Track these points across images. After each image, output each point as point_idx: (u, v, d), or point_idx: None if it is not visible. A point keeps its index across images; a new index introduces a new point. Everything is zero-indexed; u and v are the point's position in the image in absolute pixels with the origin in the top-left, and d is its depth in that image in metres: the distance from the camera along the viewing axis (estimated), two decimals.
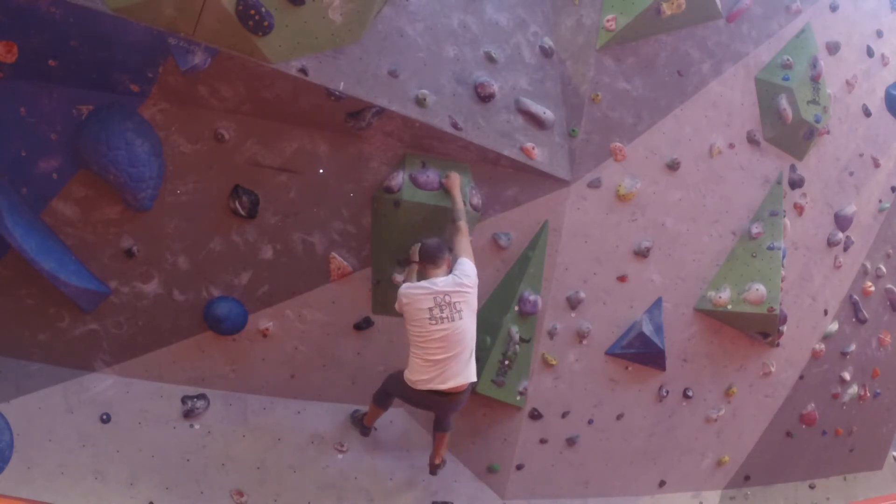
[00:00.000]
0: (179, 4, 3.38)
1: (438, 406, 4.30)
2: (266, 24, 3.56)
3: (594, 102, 4.89)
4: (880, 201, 6.89)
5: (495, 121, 4.55)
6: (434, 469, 4.66)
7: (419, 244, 4.22)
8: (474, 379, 4.18)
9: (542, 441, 5.29)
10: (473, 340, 4.11)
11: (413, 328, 4.03)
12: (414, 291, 4.01)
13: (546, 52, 4.81)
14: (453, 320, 3.96)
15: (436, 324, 3.95)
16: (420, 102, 4.21)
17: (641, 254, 5.31)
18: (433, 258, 4.11)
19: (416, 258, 4.23)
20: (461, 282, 4.02)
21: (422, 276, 4.17)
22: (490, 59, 4.55)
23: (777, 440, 6.76)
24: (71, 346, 4.15)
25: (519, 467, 5.22)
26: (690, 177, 5.44)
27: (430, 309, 3.95)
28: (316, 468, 4.63)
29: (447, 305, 3.96)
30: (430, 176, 4.42)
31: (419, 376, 4.07)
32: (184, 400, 4.36)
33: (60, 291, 3.92)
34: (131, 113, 3.84)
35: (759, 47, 5.66)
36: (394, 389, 4.40)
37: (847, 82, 6.32)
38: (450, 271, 4.10)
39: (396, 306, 4.11)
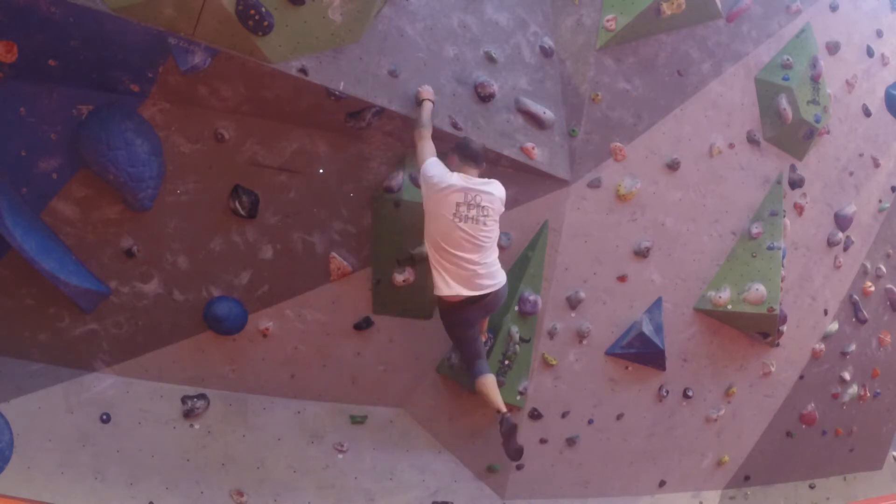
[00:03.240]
0: (179, 4, 3.38)
1: (475, 314, 4.16)
2: (266, 23, 3.56)
3: (594, 102, 4.89)
4: (880, 201, 6.89)
5: (495, 121, 4.55)
6: (504, 422, 4.26)
7: (463, 139, 4.07)
8: (499, 285, 4.07)
9: (542, 441, 5.29)
10: (497, 250, 4.05)
11: (433, 223, 3.87)
12: (441, 174, 3.81)
13: (546, 52, 4.81)
14: (477, 223, 3.84)
15: (460, 221, 3.81)
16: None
17: (641, 254, 5.31)
18: (475, 157, 3.96)
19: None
20: (501, 192, 3.94)
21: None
22: (490, 59, 4.56)
23: (777, 440, 6.76)
24: (71, 346, 4.15)
25: (519, 467, 5.22)
26: (690, 177, 5.44)
27: (458, 205, 3.81)
28: (316, 468, 4.62)
29: (476, 206, 3.82)
30: None
31: (447, 289, 3.95)
32: (184, 400, 4.36)
33: (60, 291, 3.92)
34: (131, 113, 3.84)
35: (759, 47, 5.66)
36: (450, 331, 4.26)
37: (847, 82, 6.32)
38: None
39: (422, 181, 3.91)
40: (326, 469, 4.66)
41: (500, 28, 4.62)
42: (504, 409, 4.32)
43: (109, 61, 3.64)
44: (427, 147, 3.99)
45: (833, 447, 7.36)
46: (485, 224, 3.87)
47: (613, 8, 4.79)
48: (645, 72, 5.06)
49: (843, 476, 7.67)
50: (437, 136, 4.31)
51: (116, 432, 4.17)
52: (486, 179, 3.99)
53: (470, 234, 3.86)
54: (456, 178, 3.87)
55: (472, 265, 3.92)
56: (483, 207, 3.85)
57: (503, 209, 4.04)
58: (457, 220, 3.81)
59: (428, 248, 4.00)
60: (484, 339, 4.63)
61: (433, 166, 3.90)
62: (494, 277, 4.06)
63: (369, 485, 4.73)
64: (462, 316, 4.22)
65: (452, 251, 3.89)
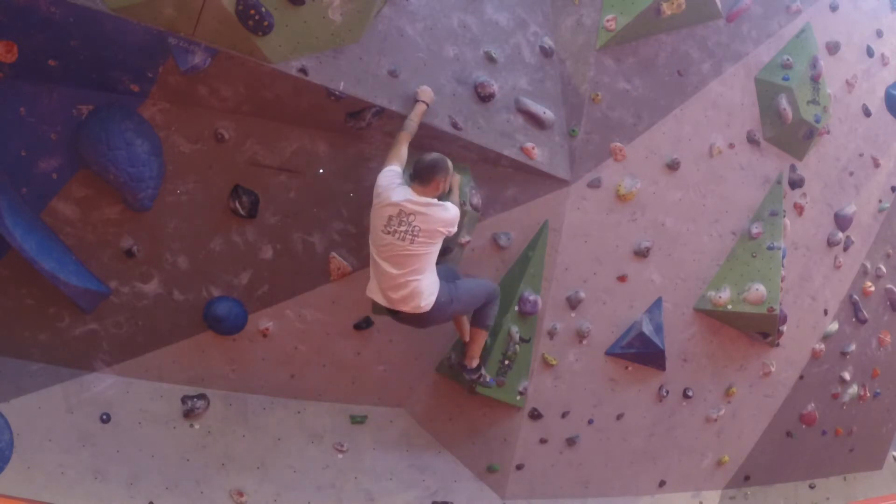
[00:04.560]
0: (179, 4, 3.38)
1: (403, 323, 4.15)
2: (266, 23, 3.56)
3: (594, 102, 4.89)
4: (880, 201, 6.89)
5: (495, 121, 4.55)
6: (467, 371, 4.54)
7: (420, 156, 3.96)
8: (423, 307, 3.94)
9: (542, 441, 5.29)
10: (427, 267, 3.90)
11: (372, 225, 3.87)
12: (386, 186, 3.81)
13: (546, 52, 4.81)
14: (403, 241, 3.77)
15: (388, 235, 3.79)
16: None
17: (641, 254, 5.31)
18: (419, 175, 3.87)
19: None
20: (440, 216, 3.80)
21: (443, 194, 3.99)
22: (490, 59, 4.56)
23: (777, 440, 6.76)
24: (71, 346, 4.15)
25: (519, 467, 5.22)
26: (690, 177, 5.44)
27: (390, 218, 3.78)
28: (316, 468, 4.62)
29: (406, 224, 3.76)
30: None
31: (368, 288, 4.02)
32: (184, 400, 4.36)
33: (60, 291, 3.92)
34: (131, 113, 3.84)
35: (759, 47, 5.66)
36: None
37: (847, 82, 6.32)
38: (439, 196, 3.89)
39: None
40: (326, 469, 4.66)
41: (500, 28, 4.62)
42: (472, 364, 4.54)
43: (109, 61, 3.64)
44: (397, 153, 3.96)
45: (833, 447, 7.36)
46: (411, 243, 3.77)
47: (613, 8, 4.79)
48: (645, 72, 5.06)
49: (843, 476, 7.67)
50: (437, 136, 4.32)
51: (116, 432, 4.17)
52: (430, 201, 3.82)
53: (395, 248, 3.80)
54: (397, 193, 3.80)
55: (391, 279, 3.86)
56: (414, 227, 3.76)
57: (447, 232, 3.89)
58: (384, 232, 3.81)
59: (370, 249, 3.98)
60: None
61: (384, 176, 3.87)
62: (417, 297, 3.89)
63: (369, 485, 4.73)
64: (393, 318, 4.17)
65: (378, 260, 3.90)
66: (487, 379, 4.71)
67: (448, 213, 3.87)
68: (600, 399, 5.48)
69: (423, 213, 3.78)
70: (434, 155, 3.93)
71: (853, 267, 6.83)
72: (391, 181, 3.86)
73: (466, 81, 4.45)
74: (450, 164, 3.94)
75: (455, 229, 3.95)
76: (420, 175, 3.86)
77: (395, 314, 4.10)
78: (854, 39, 6.33)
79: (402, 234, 3.78)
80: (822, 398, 6.98)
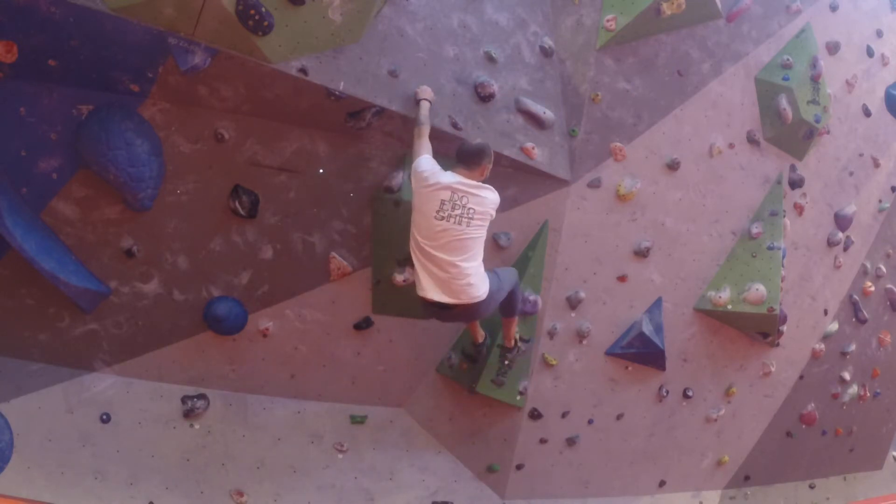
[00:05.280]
0: (179, 4, 3.38)
1: (454, 319, 4.12)
2: (266, 23, 3.56)
3: (594, 102, 4.89)
4: (880, 201, 6.89)
5: (495, 121, 4.55)
6: (507, 351, 4.70)
7: (463, 140, 3.95)
8: (480, 296, 3.88)
9: (542, 441, 5.29)
10: (481, 253, 3.88)
11: (419, 214, 3.78)
12: (431, 171, 3.74)
13: (546, 52, 4.81)
14: (460, 224, 3.70)
15: (443, 220, 3.70)
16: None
17: (641, 254, 5.31)
18: (466, 158, 3.83)
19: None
20: (492, 198, 3.80)
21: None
22: (490, 59, 4.56)
23: (777, 440, 6.76)
24: (71, 346, 4.15)
25: (519, 467, 5.22)
26: (690, 177, 5.44)
27: (443, 202, 3.70)
28: (316, 468, 4.63)
29: (461, 207, 3.70)
30: None
31: (421, 290, 3.88)
32: (184, 400, 4.36)
33: (60, 291, 3.92)
34: (131, 113, 3.84)
35: (759, 47, 5.66)
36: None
37: (847, 82, 6.32)
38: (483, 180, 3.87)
39: (412, 176, 3.83)
40: (326, 469, 4.66)
41: (500, 28, 4.62)
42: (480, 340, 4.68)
43: (109, 61, 3.64)
44: (423, 144, 3.93)
45: (833, 447, 7.36)
46: (468, 226, 3.71)
47: (613, 8, 4.79)
48: (645, 72, 5.06)
49: (843, 476, 7.67)
50: (437, 136, 4.32)
51: (116, 432, 4.17)
52: (479, 183, 3.82)
53: (451, 233, 3.72)
54: (446, 177, 3.76)
55: (451, 267, 3.75)
56: (469, 209, 3.70)
57: (493, 215, 3.89)
58: (439, 217, 3.71)
59: (411, 245, 3.90)
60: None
61: (425, 162, 3.81)
62: (474, 287, 3.84)
63: (369, 485, 4.73)
64: (442, 318, 4.14)
65: (432, 251, 3.77)
66: (523, 347, 4.78)
67: (495, 194, 3.87)
68: (600, 399, 5.48)
69: (476, 194, 3.74)
70: (479, 141, 3.94)
71: (853, 267, 6.83)
72: (433, 166, 3.79)
73: (466, 81, 4.45)
74: (492, 151, 3.95)
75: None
76: (467, 159, 3.82)
77: (445, 311, 3.95)
78: (854, 39, 6.33)
79: (458, 217, 3.69)
80: (822, 398, 6.98)
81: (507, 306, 4.38)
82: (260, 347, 4.51)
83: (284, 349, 4.57)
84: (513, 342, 4.69)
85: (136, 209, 3.99)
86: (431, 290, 3.85)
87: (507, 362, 4.83)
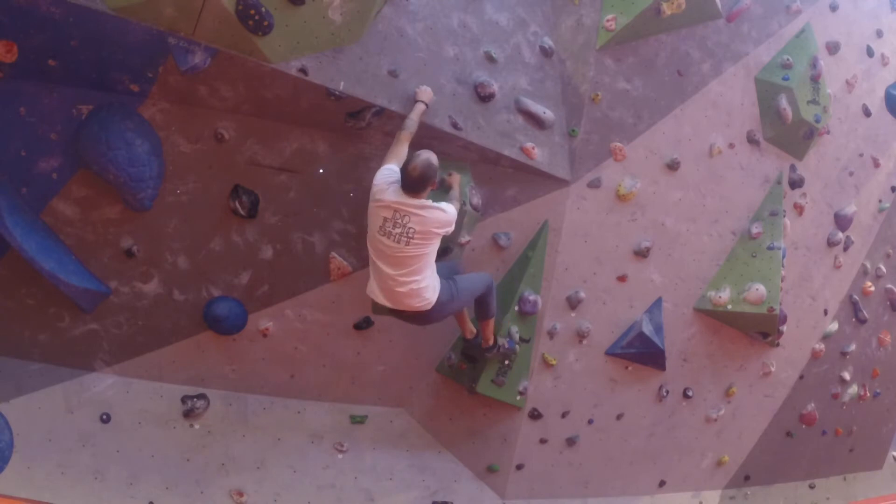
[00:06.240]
0: (179, 4, 3.37)
1: (407, 321, 4.16)
2: (266, 23, 3.56)
3: (594, 102, 4.89)
4: (880, 201, 6.89)
5: (495, 121, 4.55)
6: (486, 350, 4.70)
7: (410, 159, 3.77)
8: (423, 305, 3.92)
9: (542, 441, 5.29)
10: (426, 267, 3.86)
11: (369, 225, 3.84)
12: (381, 186, 3.75)
13: (546, 52, 4.81)
14: (398, 243, 3.72)
15: (383, 236, 3.75)
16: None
17: (641, 254, 5.31)
18: (408, 185, 3.73)
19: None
20: (436, 217, 3.75)
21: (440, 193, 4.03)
22: (490, 59, 4.55)
23: (777, 440, 6.76)
24: (71, 346, 4.15)
25: (519, 467, 5.22)
26: (690, 177, 5.44)
27: (385, 220, 3.74)
28: (316, 468, 4.63)
29: (401, 226, 3.72)
30: None
31: (369, 289, 4.01)
32: (184, 400, 4.36)
33: (60, 291, 3.92)
34: (131, 113, 3.84)
35: (759, 47, 5.66)
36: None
37: (847, 82, 6.32)
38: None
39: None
40: (326, 469, 4.66)
41: (500, 28, 4.62)
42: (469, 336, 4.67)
43: (109, 61, 3.64)
44: (397, 150, 3.93)
45: (833, 447, 7.36)
46: (407, 244, 3.72)
47: (613, 8, 4.79)
48: (645, 72, 5.06)
49: (843, 476, 7.67)
50: (437, 136, 4.32)
51: (116, 432, 4.17)
52: (426, 202, 3.75)
53: (391, 249, 3.77)
54: (392, 194, 3.74)
55: (390, 280, 3.83)
56: (409, 228, 3.71)
57: (440, 233, 3.84)
58: (380, 234, 3.77)
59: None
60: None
61: (381, 175, 3.83)
62: (417, 297, 3.87)
63: (369, 485, 4.73)
64: (395, 317, 4.17)
65: (376, 260, 3.88)
66: (507, 344, 4.76)
67: (445, 213, 3.83)
68: (600, 399, 5.48)
69: (418, 214, 3.74)
70: (416, 166, 3.70)
71: (853, 267, 6.83)
72: (386, 179, 3.81)
73: (466, 81, 4.45)
74: (436, 163, 3.79)
75: (452, 229, 3.92)
76: (409, 186, 3.74)
77: (397, 312, 4.08)
78: (854, 39, 6.33)
79: (398, 235, 3.73)
80: (822, 398, 6.98)
81: (480, 310, 4.45)
82: (260, 347, 4.51)
83: (284, 349, 4.57)
84: (491, 341, 4.66)
85: (136, 209, 3.99)
86: (377, 295, 3.99)
87: (507, 362, 4.83)
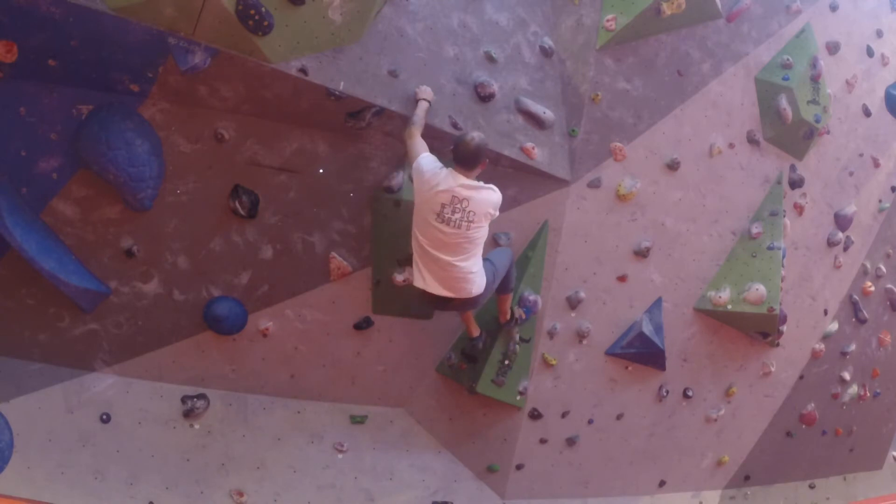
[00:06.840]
0: (179, 4, 3.37)
1: (452, 309, 4.21)
2: (266, 23, 3.56)
3: (594, 102, 4.89)
4: (880, 201, 6.89)
5: (495, 121, 4.55)
6: (505, 325, 4.75)
7: (458, 137, 3.83)
8: (477, 290, 3.96)
9: (542, 441, 5.29)
10: (480, 251, 3.92)
11: (420, 214, 3.80)
12: (432, 172, 3.72)
13: (546, 52, 4.81)
14: (459, 228, 3.72)
15: (442, 224, 3.72)
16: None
17: (641, 254, 5.31)
18: (464, 159, 3.73)
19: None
20: (491, 199, 3.78)
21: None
22: (490, 59, 4.56)
23: (777, 440, 6.76)
24: (71, 346, 4.15)
25: (519, 467, 5.22)
26: (690, 177, 5.44)
27: (443, 206, 3.70)
28: (316, 468, 4.63)
29: (461, 210, 3.70)
30: None
31: (422, 283, 3.94)
32: (184, 400, 4.36)
33: (60, 291, 3.92)
34: (131, 113, 3.84)
35: (759, 47, 5.66)
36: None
37: (847, 82, 6.32)
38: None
39: (414, 175, 3.81)
40: (326, 469, 4.66)
41: (500, 28, 4.62)
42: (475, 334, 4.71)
43: (109, 61, 3.64)
44: (419, 143, 3.92)
45: (833, 447, 7.36)
46: (468, 229, 3.74)
47: (613, 8, 4.79)
48: (645, 72, 5.06)
49: (843, 476, 7.67)
50: (437, 136, 4.32)
51: (116, 432, 4.17)
52: (479, 183, 3.79)
53: (451, 236, 3.76)
54: (447, 180, 3.72)
55: (450, 267, 3.83)
56: (469, 212, 3.71)
57: (495, 214, 3.90)
58: (439, 221, 3.73)
59: (412, 241, 3.93)
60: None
61: (426, 162, 3.80)
62: (472, 283, 3.92)
63: (369, 485, 4.74)
64: (439, 308, 4.27)
65: (431, 250, 3.83)
66: (524, 314, 4.80)
67: (495, 193, 3.87)
68: (600, 399, 5.48)
69: (476, 197, 3.75)
70: (474, 137, 3.76)
71: (853, 267, 6.83)
72: (434, 166, 3.78)
73: (466, 81, 4.45)
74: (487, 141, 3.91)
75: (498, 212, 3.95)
76: (465, 160, 3.74)
77: (443, 302, 4.05)
78: (854, 39, 6.33)
79: (458, 221, 3.72)
80: (822, 398, 6.98)
81: (501, 284, 4.42)
82: (260, 347, 4.51)
83: (284, 349, 4.57)
84: (507, 316, 4.72)
85: (136, 209, 3.99)
86: (432, 285, 3.94)
87: (507, 362, 4.83)
